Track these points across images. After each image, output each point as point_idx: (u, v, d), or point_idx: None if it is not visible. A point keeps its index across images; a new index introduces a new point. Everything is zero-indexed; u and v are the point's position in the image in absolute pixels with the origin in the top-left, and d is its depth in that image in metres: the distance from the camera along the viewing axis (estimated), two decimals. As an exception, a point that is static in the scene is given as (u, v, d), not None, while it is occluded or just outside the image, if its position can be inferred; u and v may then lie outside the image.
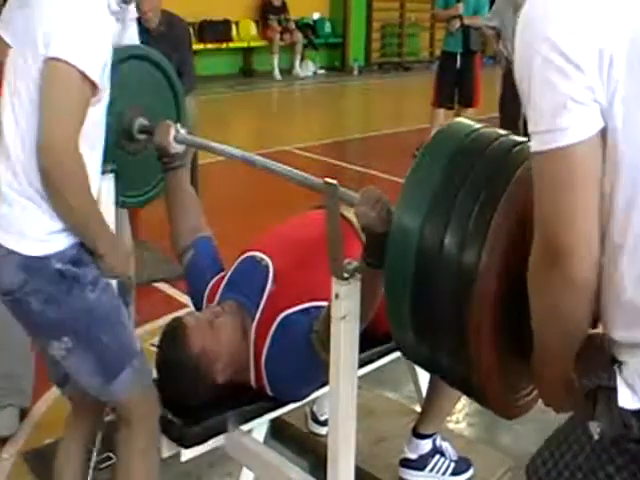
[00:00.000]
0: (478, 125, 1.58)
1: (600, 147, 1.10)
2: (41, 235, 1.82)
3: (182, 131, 2.27)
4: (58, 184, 1.76)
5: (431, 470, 2.52)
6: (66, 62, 1.74)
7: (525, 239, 1.39)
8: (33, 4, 1.82)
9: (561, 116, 1.08)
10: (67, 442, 2.24)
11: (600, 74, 1.07)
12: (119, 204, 2.51)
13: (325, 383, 2.02)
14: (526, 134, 4.02)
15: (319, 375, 1.94)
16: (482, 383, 1.48)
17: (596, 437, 1.22)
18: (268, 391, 2.03)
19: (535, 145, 1.12)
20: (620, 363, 1.18)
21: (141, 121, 2.41)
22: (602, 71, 1.07)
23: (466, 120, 1.64)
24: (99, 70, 1.80)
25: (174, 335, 2.00)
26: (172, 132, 2.24)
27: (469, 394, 1.65)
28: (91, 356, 1.89)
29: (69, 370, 1.95)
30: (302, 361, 1.94)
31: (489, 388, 1.49)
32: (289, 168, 1.97)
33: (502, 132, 1.56)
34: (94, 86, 1.80)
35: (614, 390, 1.17)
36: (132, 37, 2.94)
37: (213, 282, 2.19)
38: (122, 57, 2.46)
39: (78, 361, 1.90)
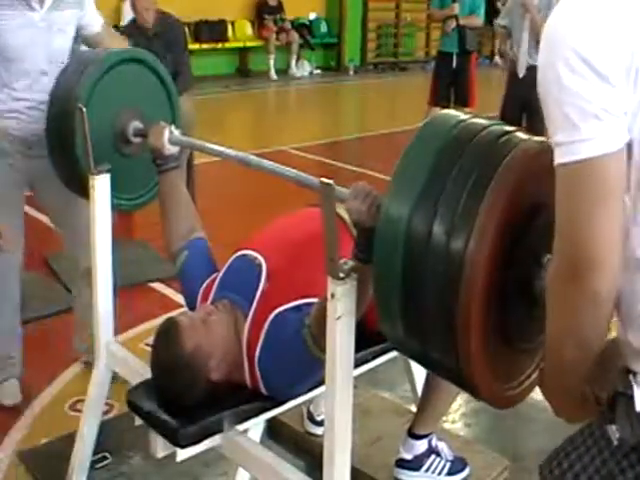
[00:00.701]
0: (466, 115, 1.57)
1: (625, 161, 1.08)
2: None
3: (176, 132, 2.27)
4: None
5: (427, 470, 2.52)
6: None
7: (513, 227, 1.40)
8: None
9: (590, 125, 1.06)
10: None
11: (628, 85, 1.05)
12: (115, 207, 2.51)
13: (319, 382, 2.02)
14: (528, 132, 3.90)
15: (313, 373, 1.94)
16: (472, 373, 1.47)
17: (615, 442, 1.20)
18: (262, 390, 2.03)
19: (560, 156, 1.09)
20: (635, 373, 1.18)
21: (136, 124, 2.42)
22: (629, 82, 1.05)
23: (454, 111, 1.62)
24: None
25: (168, 334, 2.00)
26: (166, 133, 2.24)
27: (459, 384, 1.63)
28: None
29: None
30: (295, 358, 1.94)
31: (478, 377, 1.48)
32: (284, 167, 1.97)
33: (490, 121, 1.55)
34: None
35: (632, 397, 1.16)
36: (92, 13, 2.94)
37: (207, 282, 2.19)
38: (116, 60, 2.49)
39: None
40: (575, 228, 1.09)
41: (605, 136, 1.06)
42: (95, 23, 2.97)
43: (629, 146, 1.08)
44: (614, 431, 1.19)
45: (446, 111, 1.63)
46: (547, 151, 1.16)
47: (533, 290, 1.46)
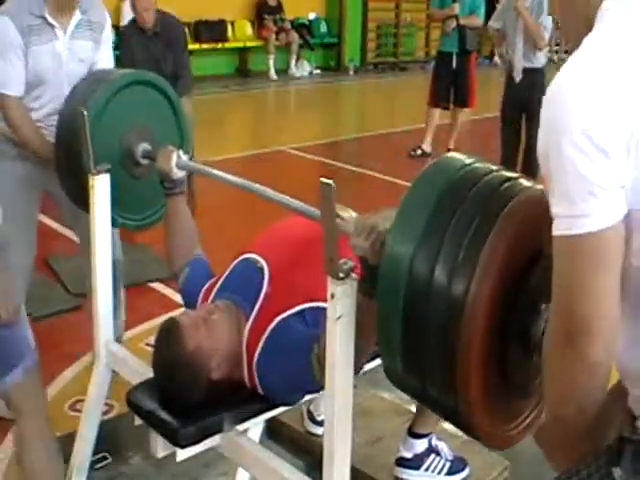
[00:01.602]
0: (470, 160, 1.59)
1: (623, 231, 1.09)
2: None
3: (184, 157, 2.29)
4: None
5: (426, 469, 2.52)
6: None
7: (513, 272, 1.43)
8: None
9: (587, 202, 1.06)
10: None
11: (627, 158, 1.06)
12: (118, 225, 2.58)
13: (316, 391, 2.03)
14: (527, 135, 4.03)
15: (308, 383, 1.94)
16: (469, 414, 1.50)
17: None
18: (260, 391, 2.04)
19: (558, 228, 1.10)
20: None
21: (144, 146, 2.45)
22: (630, 155, 1.06)
23: (458, 154, 1.64)
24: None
25: (168, 334, 2.00)
26: (174, 158, 2.26)
27: (457, 425, 1.66)
28: None
29: None
30: (293, 367, 1.94)
31: (477, 419, 1.51)
32: (287, 197, 2.00)
33: (493, 167, 1.57)
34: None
35: (638, 444, 1.17)
36: (108, 57, 3.01)
37: (207, 285, 2.20)
38: (126, 82, 2.53)
39: None
40: (571, 298, 1.11)
41: (603, 212, 1.07)
42: (107, 67, 3.03)
43: (630, 216, 1.09)
44: (619, 474, 1.19)
45: (451, 154, 1.65)
46: (547, 200, 1.16)
47: (531, 335, 1.49)
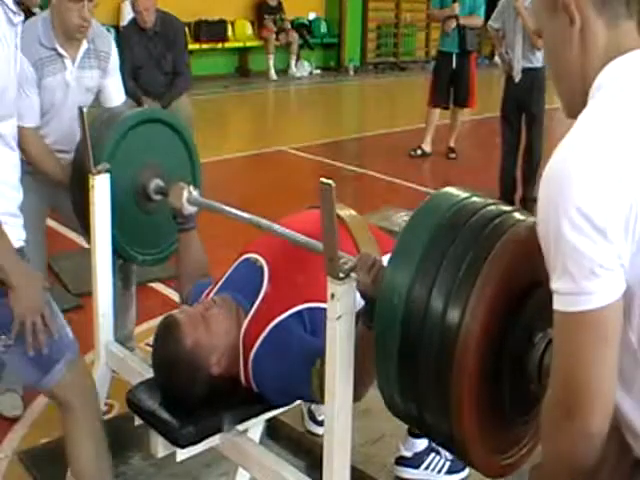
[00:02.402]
0: (467, 194, 1.62)
1: (622, 307, 1.11)
2: None
3: (195, 193, 2.32)
4: None
5: (426, 468, 2.53)
6: None
7: (505, 306, 1.47)
8: None
9: (589, 280, 1.08)
10: None
11: (626, 238, 1.08)
12: (139, 262, 2.68)
13: (306, 399, 2.05)
14: (527, 134, 4.03)
15: (301, 389, 1.95)
16: (464, 443, 1.53)
17: None
18: (254, 388, 2.04)
19: (559, 304, 1.12)
20: None
21: (157, 182, 2.51)
22: (628, 235, 1.08)
23: (452, 190, 1.66)
24: None
25: (167, 332, 2.01)
26: (185, 194, 2.30)
27: (453, 454, 1.71)
28: (26, 352, 1.96)
29: (8, 364, 2.09)
30: (288, 371, 1.94)
31: (471, 448, 1.53)
32: (292, 232, 2.05)
33: (486, 202, 1.59)
34: None
35: None
36: (116, 86, 3.04)
37: (208, 289, 2.21)
38: (139, 120, 2.60)
39: (16, 356, 1.98)
40: (572, 371, 1.13)
41: (601, 291, 1.09)
42: (116, 97, 3.08)
43: (630, 292, 1.11)
44: None
45: (447, 189, 1.67)
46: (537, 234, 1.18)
47: (526, 365, 1.52)
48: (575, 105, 1.22)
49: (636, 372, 1.17)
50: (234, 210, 2.28)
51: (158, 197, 2.50)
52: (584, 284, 1.09)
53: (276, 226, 2.10)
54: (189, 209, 2.31)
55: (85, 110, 2.30)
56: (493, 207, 1.57)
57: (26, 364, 2.00)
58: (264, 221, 2.15)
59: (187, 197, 2.29)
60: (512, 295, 1.47)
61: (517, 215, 1.55)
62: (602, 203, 1.07)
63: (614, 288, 1.09)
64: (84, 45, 2.84)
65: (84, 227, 2.64)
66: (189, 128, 5.05)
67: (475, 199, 1.60)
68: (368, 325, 1.69)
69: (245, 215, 2.23)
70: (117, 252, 2.56)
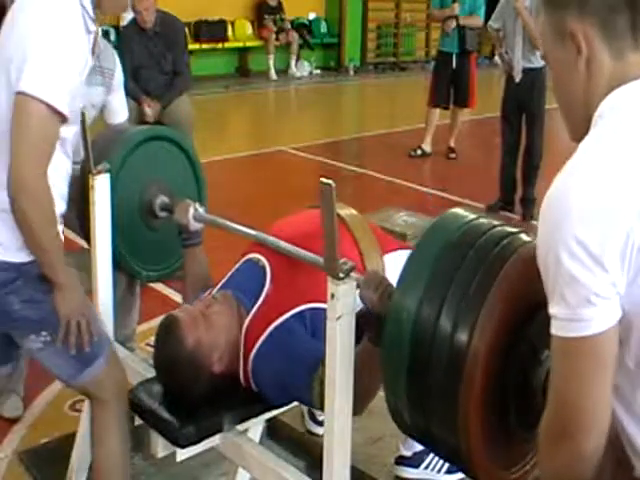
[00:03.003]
0: (474, 215, 1.65)
1: (617, 332, 1.13)
2: (19, 243, 1.91)
3: (200, 210, 2.34)
4: (22, 213, 1.84)
5: (426, 467, 2.52)
6: (34, 97, 1.80)
7: (513, 325, 1.49)
8: (12, 32, 1.88)
9: (585, 308, 1.10)
10: None
11: (622, 268, 1.10)
12: (144, 278, 2.71)
13: (304, 402, 2.05)
14: (528, 136, 4.04)
15: (300, 390, 1.95)
16: (472, 461, 1.55)
17: None
18: (253, 387, 2.04)
19: (556, 329, 1.14)
20: None
21: (162, 199, 2.53)
22: (624, 264, 1.09)
23: (460, 211, 1.69)
24: (67, 99, 1.85)
25: (168, 331, 2.01)
26: (191, 211, 2.31)
27: (461, 469, 1.72)
28: (67, 349, 2.00)
29: (42, 360, 2.08)
30: (288, 371, 1.94)
31: (479, 466, 1.56)
32: (295, 248, 2.05)
33: (493, 223, 1.63)
34: (63, 116, 1.86)
35: None
36: (120, 102, 3.05)
37: (209, 289, 2.21)
38: (144, 138, 2.62)
39: (54, 353, 2.01)
40: (566, 393, 1.16)
41: (599, 318, 1.11)
42: (121, 113, 3.11)
43: (626, 318, 1.13)
44: None
45: (451, 211, 1.70)
46: None
47: (532, 382, 1.54)
48: (579, 130, 1.24)
49: (634, 393, 1.19)
50: (240, 227, 2.30)
51: (163, 214, 2.52)
52: (580, 311, 1.11)
53: (283, 243, 2.11)
54: (195, 225, 2.33)
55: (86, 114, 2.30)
56: (500, 228, 1.61)
57: (66, 360, 2.03)
58: (271, 238, 2.16)
59: (193, 214, 2.31)
60: (519, 314, 1.50)
61: (524, 236, 1.59)
62: (599, 232, 1.09)
63: (610, 315, 1.12)
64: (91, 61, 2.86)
65: (82, 229, 2.64)
66: (189, 128, 5.06)
67: (483, 220, 1.64)
68: (373, 341, 1.72)
69: (251, 232, 2.24)
70: (121, 267, 2.58)
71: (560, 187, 1.14)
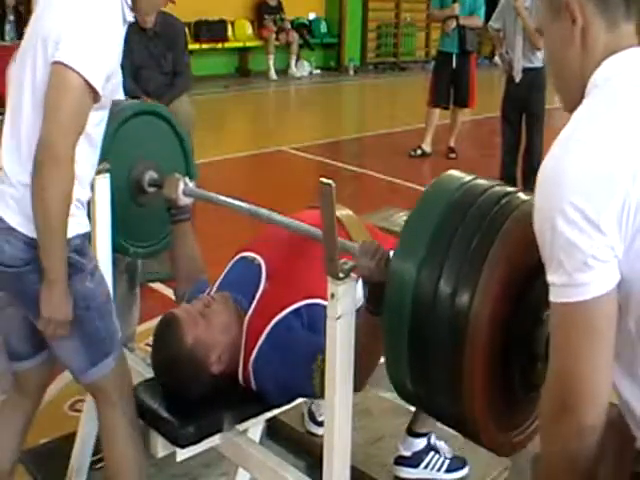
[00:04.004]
0: (468, 177, 1.64)
1: (616, 300, 1.13)
2: None
3: (190, 184, 2.33)
4: (44, 181, 1.80)
5: (426, 467, 2.53)
6: (71, 68, 1.80)
7: (514, 286, 1.48)
8: (50, 9, 1.89)
9: (583, 272, 1.10)
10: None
11: (620, 229, 1.10)
12: (131, 255, 2.64)
13: (308, 396, 2.05)
14: (528, 135, 4.06)
15: (302, 387, 1.95)
16: (476, 423, 1.54)
17: None
18: (253, 387, 2.04)
19: (555, 297, 1.14)
20: None
21: (151, 174, 2.49)
22: (621, 228, 1.10)
23: (457, 172, 1.69)
24: (102, 79, 1.86)
25: (167, 330, 2.01)
26: (180, 185, 2.30)
27: (464, 434, 1.70)
28: (83, 339, 1.99)
29: (55, 348, 2.05)
30: (289, 370, 1.95)
31: (483, 427, 1.55)
32: (292, 220, 2.05)
33: (491, 183, 1.62)
34: (96, 93, 1.85)
35: None
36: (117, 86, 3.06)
37: (207, 290, 2.21)
38: (132, 113, 2.57)
39: (68, 342, 1.98)
40: (566, 363, 1.15)
41: (595, 282, 1.11)
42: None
43: (625, 282, 1.13)
44: None
45: (451, 172, 1.69)
46: None
47: (534, 343, 1.53)
48: (573, 101, 1.24)
49: (635, 360, 1.18)
50: (230, 200, 2.27)
51: (152, 189, 2.48)
52: (578, 276, 1.11)
53: (275, 215, 2.09)
54: (184, 200, 2.31)
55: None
56: (499, 188, 1.59)
57: (78, 352, 2.02)
58: (262, 210, 2.14)
59: (182, 188, 2.29)
60: (521, 273, 1.47)
61: (523, 195, 1.57)
62: (595, 197, 1.09)
63: (608, 279, 1.11)
64: None
65: None
66: (190, 128, 5.04)
67: (480, 181, 1.63)
68: (371, 310, 1.70)
69: (243, 205, 2.22)
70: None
71: (555, 156, 1.15)
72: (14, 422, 2.24)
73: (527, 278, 1.48)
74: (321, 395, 1.84)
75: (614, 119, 1.15)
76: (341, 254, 1.67)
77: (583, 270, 1.10)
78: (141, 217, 2.56)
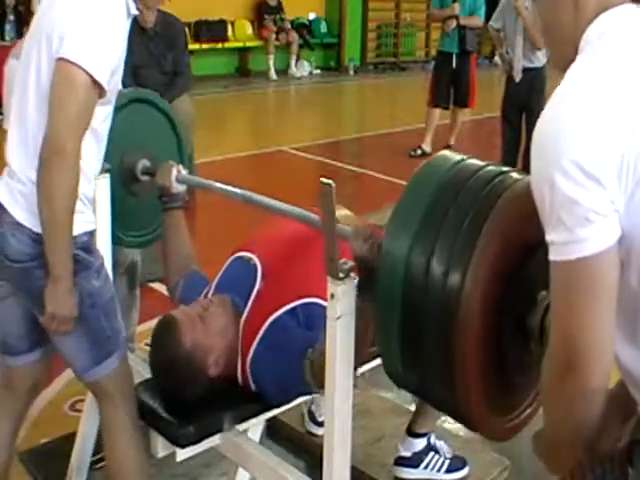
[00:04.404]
0: (460, 157, 1.62)
1: (617, 253, 1.11)
2: None
3: (183, 171, 2.32)
4: (50, 178, 1.80)
5: (425, 467, 2.53)
6: (76, 64, 1.80)
7: (507, 265, 1.45)
8: (55, 5, 1.89)
9: (583, 227, 1.08)
10: None
11: (619, 182, 1.08)
12: (124, 244, 2.62)
13: (307, 393, 2.04)
14: (528, 135, 4.05)
15: (301, 385, 1.95)
16: (469, 408, 1.52)
17: None
18: (253, 388, 2.04)
19: (555, 255, 1.12)
20: None
21: (144, 162, 2.47)
22: (621, 181, 1.08)
23: (449, 153, 1.67)
24: (107, 74, 1.86)
25: (165, 332, 2.01)
26: (174, 172, 2.30)
27: (457, 419, 1.68)
28: (87, 337, 1.98)
29: (59, 345, 2.03)
30: (286, 368, 1.95)
31: (476, 413, 1.52)
32: (287, 205, 2.03)
33: (484, 163, 1.60)
34: (101, 89, 1.85)
35: None
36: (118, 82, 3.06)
37: (205, 291, 2.21)
38: (125, 101, 2.53)
39: (73, 339, 1.97)
40: (569, 323, 1.13)
41: (596, 237, 1.09)
42: None
43: (626, 237, 1.11)
44: (633, 476, 1.21)
45: (441, 153, 1.68)
46: None
47: (528, 324, 1.50)
48: (565, 59, 1.23)
49: (637, 318, 1.16)
50: (223, 186, 2.25)
51: (145, 177, 2.46)
52: (578, 231, 1.09)
53: (269, 200, 2.08)
54: (178, 188, 2.30)
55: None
56: (492, 168, 1.57)
57: (81, 350, 2.01)
58: (256, 195, 2.13)
59: (176, 175, 2.29)
60: (514, 252, 1.45)
61: (516, 175, 1.55)
62: (594, 152, 1.08)
63: (608, 234, 1.09)
64: None
65: None
66: (190, 127, 5.04)
67: (473, 161, 1.60)
68: (364, 297, 1.66)
69: (236, 190, 2.20)
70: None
71: (551, 114, 1.14)
72: (1, 421, 2.21)
73: (521, 257, 1.46)
74: (314, 384, 1.84)
75: (609, 72, 1.13)
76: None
77: (584, 225, 1.08)
78: (134, 206, 2.53)
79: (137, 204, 2.54)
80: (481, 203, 1.46)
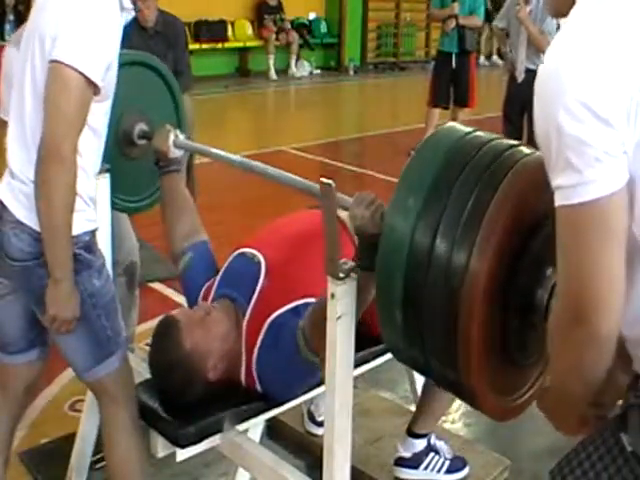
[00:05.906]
0: (471, 128, 1.59)
1: (626, 198, 1.09)
2: None
3: (181, 136, 2.29)
4: (47, 180, 1.80)
5: (425, 468, 2.52)
6: (69, 65, 1.79)
7: (515, 240, 1.42)
8: (47, 4, 1.89)
9: (592, 168, 1.06)
10: None
11: (628, 125, 1.06)
12: (120, 209, 2.57)
13: (317, 383, 2.03)
14: (529, 135, 4.04)
15: (310, 376, 1.95)
16: (472, 386, 1.49)
17: (629, 449, 1.20)
18: (258, 388, 2.04)
19: (562, 199, 1.09)
20: None
21: (141, 126, 2.44)
22: (630, 121, 1.06)
23: (459, 124, 1.64)
24: (102, 71, 1.85)
25: (166, 333, 2.01)
26: (171, 137, 2.27)
27: (460, 397, 1.66)
28: (88, 337, 1.98)
29: (60, 344, 2.03)
30: (292, 362, 1.95)
31: (479, 391, 1.50)
32: (287, 173, 2.00)
33: (494, 135, 1.56)
34: (96, 87, 1.85)
35: None
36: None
37: (208, 284, 2.20)
38: (122, 63, 2.49)
39: (74, 339, 1.97)
40: (578, 268, 1.10)
41: (606, 178, 1.06)
42: None
43: (631, 183, 1.09)
44: (628, 440, 1.19)
45: (451, 124, 1.64)
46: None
47: (535, 301, 1.47)
48: (563, 3, 1.20)
49: (633, 264, 1.13)
50: (221, 152, 2.23)
51: (142, 142, 2.43)
52: (588, 172, 1.06)
53: (269, 168, 2.05)
54: (175, 152, 2.28)
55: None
56: (501, 141, 1.53)
57: (83, 349, 2.01)
58: (255, 163, 2.10)
59: (174, 140, 2.26)
60: (523, 226, 1.42)
61: (526, 149, 1.51)
62: (602, 93, 1.05)
63: (617, 176, 1.07)
64: None
65: None
66: (190, 127, 5.03)
67: (481, 133, 1.56)
68: (361, 265, 1.63)
69: (235, 158, 2.19)
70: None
71: (555, 56, 1.11)
72: None
73: (529, 231, 1.42)
74: (310, 351, 1.86)
75: (613, 11, 1.10)
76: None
77: (594, 166, 1.05)
78: (130, 170, 2.49)
79: (134, 168, 2.50)
80: (489, 177, 1.42)
